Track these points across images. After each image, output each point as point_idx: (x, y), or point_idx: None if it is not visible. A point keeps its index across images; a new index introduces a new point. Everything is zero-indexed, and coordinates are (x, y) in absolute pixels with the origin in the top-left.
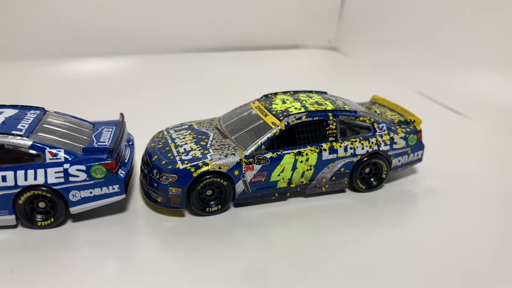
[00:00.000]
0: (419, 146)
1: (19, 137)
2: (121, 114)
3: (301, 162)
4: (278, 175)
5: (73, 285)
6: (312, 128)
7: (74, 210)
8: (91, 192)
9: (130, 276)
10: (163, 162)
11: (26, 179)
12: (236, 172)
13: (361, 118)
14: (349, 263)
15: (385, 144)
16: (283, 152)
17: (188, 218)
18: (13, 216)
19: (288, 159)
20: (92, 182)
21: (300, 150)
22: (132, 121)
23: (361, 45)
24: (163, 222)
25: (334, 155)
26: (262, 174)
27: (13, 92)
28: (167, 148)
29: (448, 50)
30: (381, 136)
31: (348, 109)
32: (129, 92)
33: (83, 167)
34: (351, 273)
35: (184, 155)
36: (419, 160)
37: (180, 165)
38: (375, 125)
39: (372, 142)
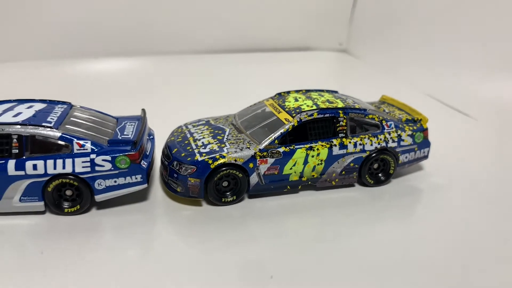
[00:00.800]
0: (425, 143)
1: (49, 129)
2: (143, 110)
3: (312, 156)
4: (290, 168)
5: (97, 266)
6: (323, 124)
7: (98, 198)
8: (115, 181)
9: (150, 261)
10: (183, 154)
11: (55, 168)
12: (251, 165)
13: (370, 116)
14: (357, 254)
15: (393, 141)
16: (296, 146)
17: (205, 208)
18: (42, 203)
19: (300, 153)
20: (116, 171)
21: (311, 145)
22: (152, 117)
23: (371, 47)
24: (182, 210)
25: (344, 151)
26: (275, 167)
27: (40, 89)
28: (186, 142)
29: (456, 53)
30: (389, 134)
31: (358, 107)
32: (149, 91)
33: (108, 158)
34: (359, 263)
35: (202, 148)
36: (425, 157)
37: (199, 157)
38: (384, 123)
39: (381, 139)
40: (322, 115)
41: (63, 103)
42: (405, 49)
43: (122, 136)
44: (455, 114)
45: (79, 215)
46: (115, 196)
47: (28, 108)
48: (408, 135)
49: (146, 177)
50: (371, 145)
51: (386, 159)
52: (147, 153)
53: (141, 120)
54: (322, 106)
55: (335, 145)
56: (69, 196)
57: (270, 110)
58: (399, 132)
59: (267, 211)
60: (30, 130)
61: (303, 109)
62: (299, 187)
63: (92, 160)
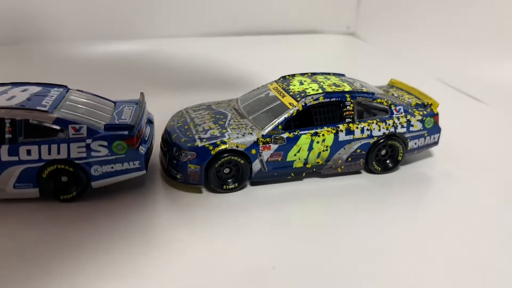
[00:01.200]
0: (436, 129)
1: (43, 113)
2: (142, 94)
3: (318, 142)
4: (295, 155)
5: (100, 254)
6: (329, 109)
7: (95, 184)
8: (112, 167)
9: (150, 247)
10: (182, 140)
11: (49, 153)
12: (253, 151)
13: (379, 100)
14: (362, 241)
15: (402, 126)
16: (300, 132)
17: (206, 195)
18: (37, 189)
19: (304, 139)
20: (113, 157)
21: (316, 130)
22: (151, 101)
23: (379, 30)
24: (181, 198)
25: (351, 136)
26: (278, 154)
27: (36, 72)
28: (186, 127)
29: (466, 36)
30: (398, 118)
31: (365, 90)
32: (152, 73)
33: (104, 143)
34: (364, 251)
35: (203, 134)
36: (436, 143)
37: (199, 143)
38: (392, 107)
39: (389, 124)
40: (328, 99)
41: (59, 86)
42: (414, 32)
43: (120, 121)
44: (465, 98)
45: (76, 202)
46: (113, 182)
47: (22, 91)
48: (418, 120)
49: (145, 163)
50: (379, 130)
51: (394, 145)
52: (146, 138)
53: (139, 104)
54: (328, 89)
55: (341, 131)
56: (65, 183)
57: (274, 94)
58: (409, 117)
59: (270, 198)
60: (24, 114)
61: (309, 93)
62: (304, 174)
63: (88, 145)
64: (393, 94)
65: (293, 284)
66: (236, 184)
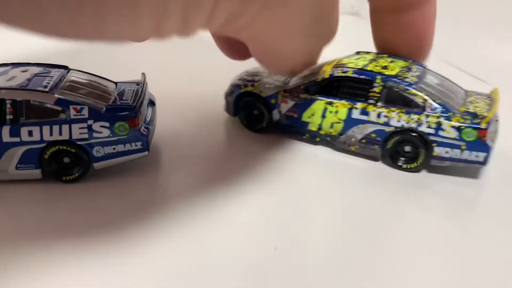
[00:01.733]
0: (481, 146)
1: (44, 93)
2: (143, 74)
3: (330, 112)
4: (309, 117)
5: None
6: (358, 86)
7: (97, 165)
8: (114, 148)
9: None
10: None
11: (51, 134)
12: (273, 101)
13: (411, 92)
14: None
15: (428, 126)
16: (317, 98)
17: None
18: (39, 170)
19: (318, 104)
20: (115, 138)
21: (332, 100)
22: (154, 83)
23: None
24: (185, 179)
25: (365, 117)
26: (294, 111)
27: (31, 51)
28: (243, 77)
29: (474, 18)
30: (427, 116)
31: (408, 79)
32: (150, 55)
33: (106, 124)
34: (362, 235)
35: (249, 82)
36: (481, 163)
37: (238, 82)
38: (427, 104)
39: (413, 119)
40: (357, 75)
41: (60, 66)
42: None
43: (121, 102)
44: (472, 81)
45: (78, 183)
46: (115, 163)
47: (23, 72)
48: (453, 126)
49: (147, 144)
50: (398, 121)
51: (414, 142)
52: (148, 120)
53: (140, 85)
54: (369, 68)
55: (356, 108)
56: (67, 164)
57: (325, 62)
58: (441, 119)
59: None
60: (25, 94)
61: (347, 66)
62: (317, 139)
63: (89, 126)
64: (471, 102)
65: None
66: (264, 125)
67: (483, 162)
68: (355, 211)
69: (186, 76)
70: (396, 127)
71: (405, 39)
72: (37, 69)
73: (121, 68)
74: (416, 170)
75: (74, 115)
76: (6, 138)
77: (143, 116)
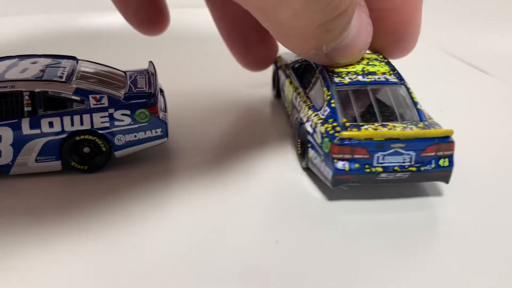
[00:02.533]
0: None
1: (62, 84)
2: (151, 62)
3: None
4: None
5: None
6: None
7: (119, 154)
8: (135, 136)
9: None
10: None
11: (72, 124)
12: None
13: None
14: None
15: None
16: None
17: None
18: (59, 162)
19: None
20: (136, 126)
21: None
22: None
23: None
24: (200, 165)
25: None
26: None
27: (35, 44)
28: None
29: (474, 7)
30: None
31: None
32: (152, 45)
33: (127, 112)
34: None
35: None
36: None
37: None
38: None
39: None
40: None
41: (68, 57)
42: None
43: (137, 89)
44: (473, 71)
45: (97, 173)
46: (135, 151)
47: (33, 63)
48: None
49: (166, 130)
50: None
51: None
52: (162, 106)
53: (150, 73)
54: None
55: None
56: (87, 154)
57: None
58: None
59: None
60: (43, 85)
61: None
62: None
63: (111, 115)
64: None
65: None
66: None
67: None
68: None
69: (194, 68)
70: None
71: (388, 26)
72: (46, 60)
73: (126, 60)
74: None
75: (94, 104)
76: (26, 130)
77: (160, 103)
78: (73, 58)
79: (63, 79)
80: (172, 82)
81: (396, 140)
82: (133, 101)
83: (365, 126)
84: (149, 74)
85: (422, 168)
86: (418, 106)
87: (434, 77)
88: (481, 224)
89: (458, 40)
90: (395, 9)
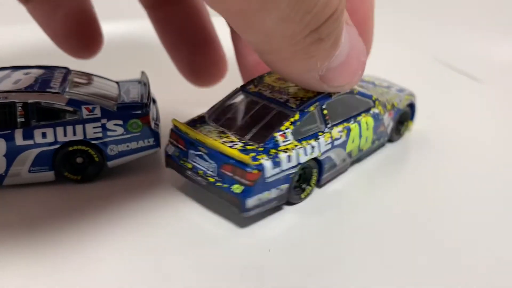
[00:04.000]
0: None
1: (55, 94)
2: (143, 72)
3: None
4: None
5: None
6: None
7: (111, 164)
8: (127, 146)
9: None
10: None
11: (65, 135)
12: None
13: None
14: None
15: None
16: None
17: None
18: (52, 172)
19: None
20: (129, 136)
21: None
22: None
23: (377, 10)
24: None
25: None
26: None
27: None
28: None
29: (465, 14)
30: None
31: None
32: (143, 55)
33: (120, 122)
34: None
35: None
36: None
37: None
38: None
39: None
40: None
41: (61, 68)
42: (411, 9)
43: (130, 100)
44: (462, 78)
45: (87, 183)
46: (128, 161)
47: (25, 74)
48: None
49: (159, 140)
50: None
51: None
52: (154, 117)
53: (142, 83)
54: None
55: None
56: (79, 164)
57: None
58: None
59: None
60: (36, 96)
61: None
62: None
63: (103, 125)
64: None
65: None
66: None
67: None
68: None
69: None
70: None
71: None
72: (39, 71)
73: (118, 70)
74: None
75: (87, 115)
76: (19, 141)
77: (152, 113)
78: (66, 68)
79: (56, 90)
80: (165, 91)
81: (202, 144)
82: (125, 111)
83: (207, 127)
84: (142, 84)
85: (218, 184)
86: (275, 134)
87: (422, 82)
88: None
89: (447, 46)
90: (351, 12)
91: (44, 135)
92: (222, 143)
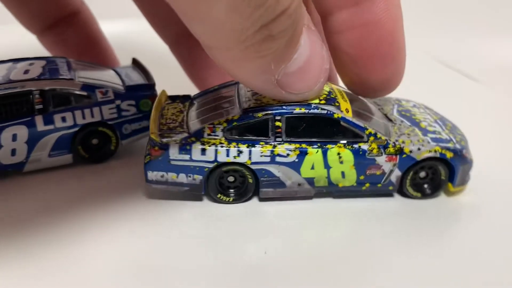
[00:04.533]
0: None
1: (69, 81)
2: (134, 59)
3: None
4: None
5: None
6: None
7: (125, 142)
8: (140, 125)
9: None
10: None
11: (84, 117)
12: None
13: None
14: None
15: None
16: None
17: None
18: (70, 155)
19: None
20: (140, 115)
21: None
22: None
23: None
24: None
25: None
26: None
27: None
28: None
29: (463, 15)
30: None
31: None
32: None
33: (132, 102)
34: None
35: None
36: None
37: None
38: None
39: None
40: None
41: (60, 57)
42: (408, 9)
43: (134, 82)
44: (460, 77)
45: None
46: (140, 139)
47: (30, 65)
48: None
49: None
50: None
51: None
52: None
53: (140, 66)
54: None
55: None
56: (96, 145)
57: None
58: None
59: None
60: (52, 83)
61: None
62: None
63: (118, 106)
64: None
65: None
66: None
67: None
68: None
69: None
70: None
71: (372, 45)
72: (42, 62)
73: None
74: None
75: (101, 98)
76: (41, 127)
77: None
78: (64, 58)
79: (69, 77)
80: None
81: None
82: (136, 92)
83: (178, 106)
84: (136, 69)
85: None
86: (205, 125)
87: (421, 83)
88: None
89: (446, 47)
90: (377, 22)
91: (63, 119)
92: (157, 124)
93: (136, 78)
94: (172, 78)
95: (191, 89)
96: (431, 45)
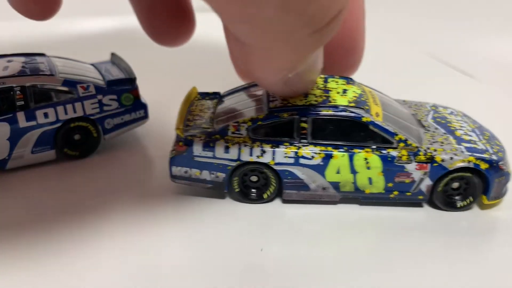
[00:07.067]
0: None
1: (50, 76)
2: (113, 54)
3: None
4: None
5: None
6: None
7: (108, 137)
8: (122, 119)
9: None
10: None
11: (66, 113)
12: None
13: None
14: None
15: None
16: None
17: None
18: (53, 151)
19: None
20: (122, 109)
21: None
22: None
23: (371, 4)
24: None
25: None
26: None
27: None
28: None
29: (460, 11)
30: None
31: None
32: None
33: (114, 96)
34: None
35: None
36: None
37: None
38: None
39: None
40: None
41: (38, 54)
42: (407, 7)
43: (115, 77)
44: (458, 75)
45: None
46: (122, 133)
47: (9, 62)
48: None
49: (147, 111)
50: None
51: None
52: None
53: (117, 63)
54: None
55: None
56: (77, 141)
57: None
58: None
59: None
60: (33, 79)
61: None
62: None
63: (99, 101)
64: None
65: None
66: None
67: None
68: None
69: (180, 76)
70: None
71: (334, 40)
72: (21, 58)
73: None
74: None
75: (83, 93)
76: (23, 123)
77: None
78: (43, 54)
79: (50, 73)
80: (157, 90)
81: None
82: (117, 87)
83: (207, 102)
84: (116, 64)
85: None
86: (230, 123)
87: (418, 80)
88: None
89: (444, 43)
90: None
91: (46, 115)
92: (184, 119)
93: (115, 73)
94: (171, 77)
95: (189, 88)
96: (431, 45)
